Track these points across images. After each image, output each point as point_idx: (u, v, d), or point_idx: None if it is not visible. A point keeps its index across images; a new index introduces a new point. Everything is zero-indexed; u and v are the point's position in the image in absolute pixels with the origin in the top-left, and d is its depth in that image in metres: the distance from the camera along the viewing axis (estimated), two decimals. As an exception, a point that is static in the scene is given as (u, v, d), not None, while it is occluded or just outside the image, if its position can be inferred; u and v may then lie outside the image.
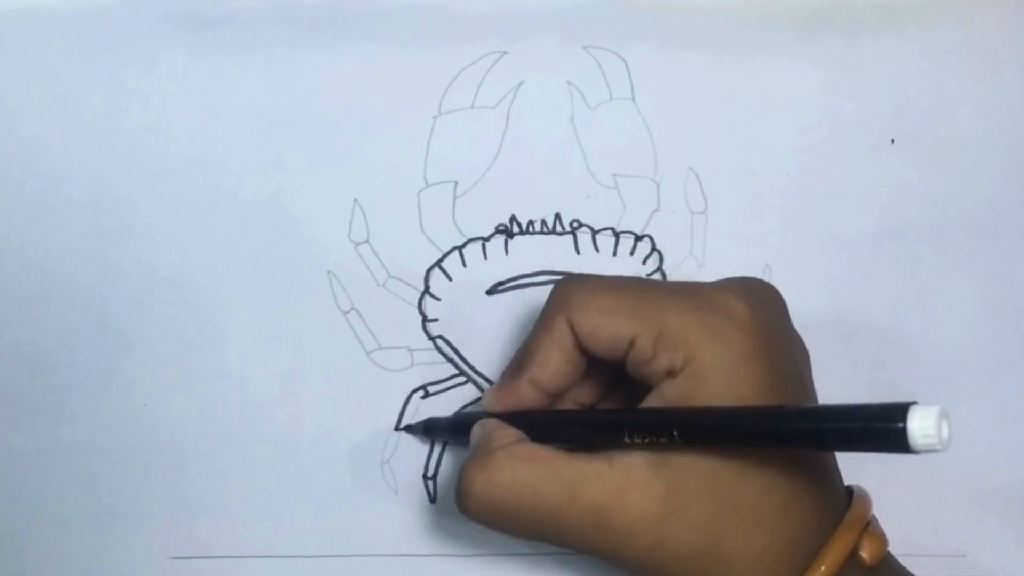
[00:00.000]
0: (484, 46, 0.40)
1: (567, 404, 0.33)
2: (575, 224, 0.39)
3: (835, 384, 0.35)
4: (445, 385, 0.38)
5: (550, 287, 0.38)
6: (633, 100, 0.40)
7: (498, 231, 0.39)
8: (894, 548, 0.31)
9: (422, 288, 0.39)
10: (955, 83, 0.41)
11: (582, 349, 0.31)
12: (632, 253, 0.39)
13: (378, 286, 0.39)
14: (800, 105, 0.40)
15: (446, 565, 0.37)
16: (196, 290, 0.39)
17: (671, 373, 0.29)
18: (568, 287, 0.31)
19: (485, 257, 0.39)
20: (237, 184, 0.39)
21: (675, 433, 0.27)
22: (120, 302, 0.38)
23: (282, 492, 0.37)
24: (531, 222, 0.39)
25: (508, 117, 0.40)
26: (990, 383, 0.39)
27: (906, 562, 0.31)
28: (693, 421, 0.28)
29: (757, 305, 0.30)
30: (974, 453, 0.38)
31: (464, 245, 0.39)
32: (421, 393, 0.38)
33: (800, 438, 0.26)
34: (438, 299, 0.39)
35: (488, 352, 0.38)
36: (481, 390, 0.38)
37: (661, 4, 0.41)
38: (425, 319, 0.39)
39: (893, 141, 0.40)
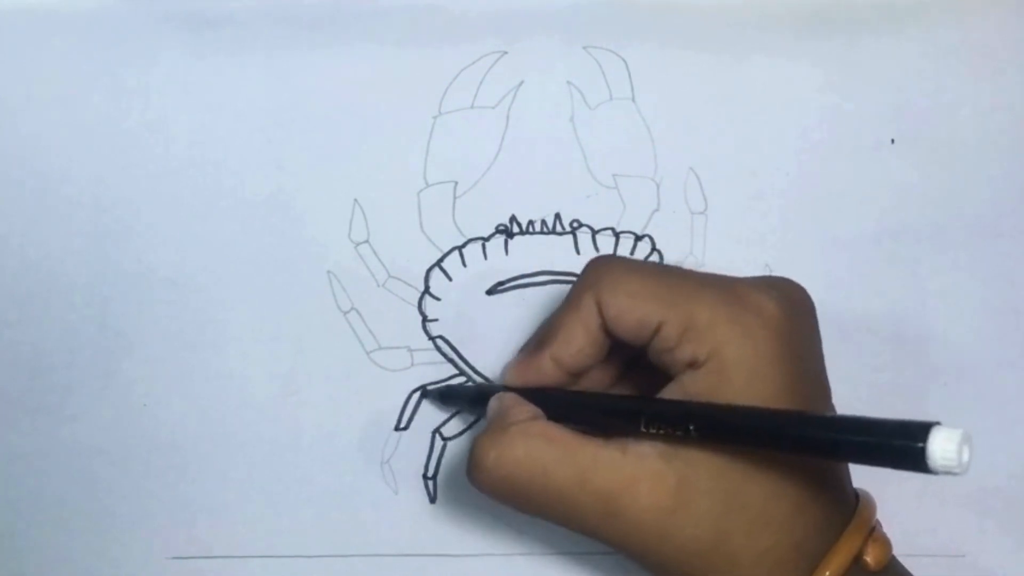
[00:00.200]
0: (484, 46, 0.40)
1: (584, 384, 0.33)
2: (575, 224, 0.39)
3: (835, 384, 0.35)
4: (445, 385, 0.38)
5: (550, 287, 0.38)
6: (633, 100, 0.40)
7: (498, 231, 0.39)
8: (894, 548, 0.31)
9: (422, 288, 0.39)
10: (955, 83, 0.41)
11: (607, 331, 0.31)
12: (632, 253, 0.39)
13: (378, 286, 0.39)
14: (800, 105, 0.40)
15: (446, 565, 0.37)
16: (196, 290, 0.39)
17: (693, 364, 0.29)
18: (600, 267, 0.31)
19: (485, 257, 0.39)
20: (237, 184, 0.39)
21: (692, 428, 0.27)
22: (120, 302, 0.38)
23: (282, 492, 0.37)
24: (531, 222, 0.39)
25: (508, 117, 0.40)
26: (990, 383, 0.39)
27: (906, 562, 0.31)
28: (712, 418, 0.28)
29: (788, 307, 0.30)
30: (974, 453, 0.38)
31: (464, 245, 0.39)
32: (421, 393, 0.38)
33: (817, 446, 0.26)
34: (438, 299, 0.39)
35: (488, 352, 0.38)
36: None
37: (661, 4, 0.41)
38: (425, 319, 0.39)
39: (893, 141, 0.40)
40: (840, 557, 0.28)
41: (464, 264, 0.39)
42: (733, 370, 0.28)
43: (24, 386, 0.38)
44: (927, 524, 0.38)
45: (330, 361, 0.38)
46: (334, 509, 0.37)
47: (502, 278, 0.39)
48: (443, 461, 0.38)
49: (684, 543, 0.28)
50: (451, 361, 0.38)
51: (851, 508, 0.30)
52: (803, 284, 0.35)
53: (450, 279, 0.39)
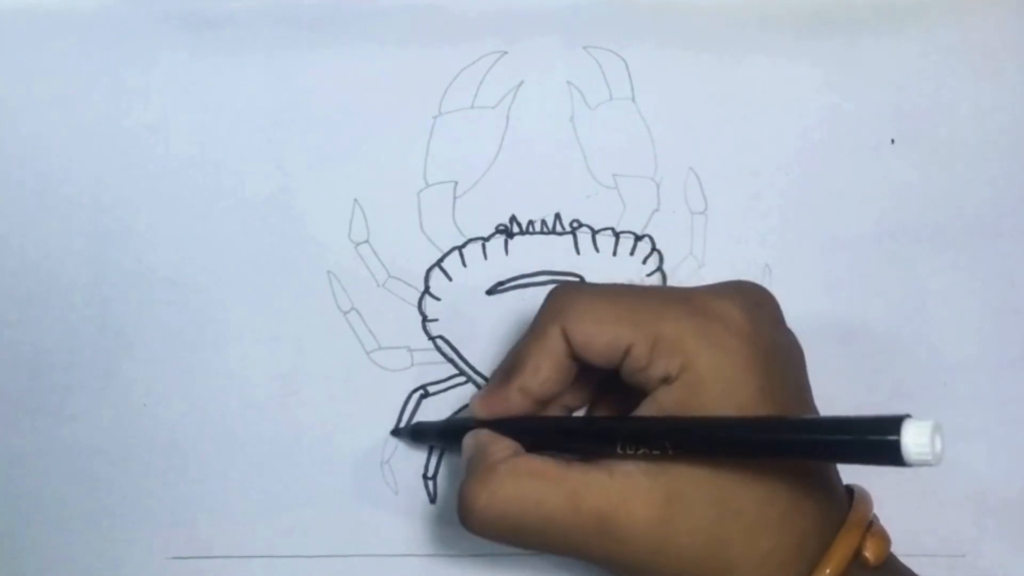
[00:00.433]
0: (484, 46, 0.40)
1: (556, 409, 0.33)
2: (575, 224, 0.39)
3: (835, 385, 0.36)
4: (445, 385, 0.38)
5: (550, 287, 0.38)
6: (633, 100, 0.40)
7: (498, 231, 0.39)
8: (894, 548, 0.31)
9: (422, 288, 0.39)
10: (955, 83, 0.41)
11: (575, 357, 0.31)
12: (632, 253, 0.39)
13: (378, 286, 0.39)
14: (800, 105, 0.40)
15: (446, 565, 0.37)
16: (196, 290, 0.39)
17: (667, 380, 0.29)
18: (562, 295, 0.31)
19: (485, 257, 0.39)
20: (237, 184, 0.39)
21: (668, 445, 0.28)
22: (120, 302, 0.38)
23: (282, 492, 0.37)
24: (531, 222, 0.39)
25: (508, 117, 0.40)
26: (990, 383, 0.39)
27: (906, 562, 0.31)
28: (686, 433, 0.28)
29: (753, 310, 0.30)
30: (974, 453, 0.38)
31: (464, 245, 0.39)
32: (421, 393, 0.38)
33: (794, 449, 0.26)
34: (438, 299, 0.39)
35: (488, 352, 0.38)
36: (487, 383, 0.38)
37: (661, 4, 0.41)
38: (425, 319, 0.39)
39: (893, 141, 0.40)
40: (840, 553, 0.28)
41: (464, 264, 0.39)
42: (706, 381, 0.29)
43: (24, 386, 0.38)
44: (927, 524, 0.38)
45: (330, 361, 0.38)
46: (334, 509, 0.37)
47: (502, 278, 0.39)
48: (443, 461, 0.38)
49: (682, 555, 0.28)
50: (451, 361, 0.38)
51: (845, 504, 0.30)
52: (803, 284, 0.35)
53: (450, 279, 0.39)
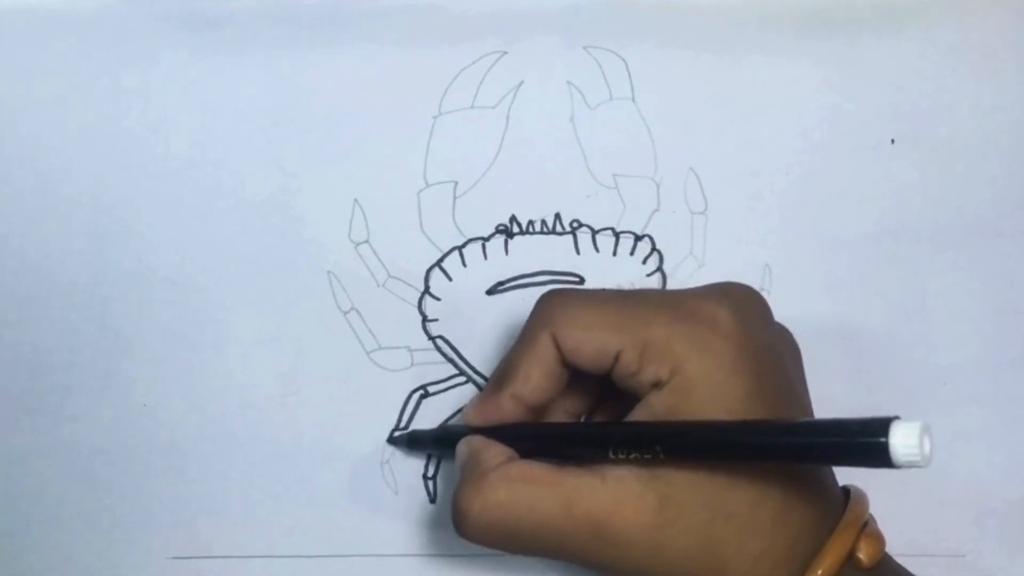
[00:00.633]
0: (484, 46, 0.40)
1: (557, 414, 0.34)
2: (575, 224, 0.39)
3: (835, 384, 0.36)
4: (445, 385, 0.38)
5: (550, 287, 0.38)
6: (633, 100, 0.40)
7: (498, 231, 0.39)
8: (894, 548, 0.31)
9: (422, 288, 0.39)
10: (955, 83, 0.41)
11: (566, 363, 0.31)
12: (632, 253, 0.39)
13: (378, 286, 0.39)
14: (800, 105, 0.40)
15: (446, 565, 0.37)
16: (196, 290, 0.39)
17: (657, 385, 0.29)
18: (551, 302, 0.31)
19: (485, 257, 0.39)
20: (237, 184, 0.39)
21: (658, 449, 0.28)
22: (120, 302, 0.38)
23: (282, 492, 0.37)
24: (531, 222, 0.39)
25: (508, 117, 0.40)
26: (990, 383, 0.39)
27: (906, 562, 0.31)
28: (676, 437, 0.28)
29: (741, 313, 0.30)
30: (974, 453, 0.38)
31: (464, 245, 0.39)
32: (421, 393, 0.38)
33: (783, 452, 0.26)
34: (438, 299, 0.39)
35: (488, 352, 0.38)
36: (481, 390, 0.38)
37: (661, 4, 0.41)
38: (425, 319, 0.39)
39: (893, 141, 0.40)
40: (832, 555, 0.28)
41: (464, 264, 0.39)
42: (696, 385, 0.29)
43: (24, 386, 0.38)
44: (927, 524, 0.38)
45: (330, 361, 0.38)
46: (334, 509, 0.37)
47: (502, 278, 0.39)
48: (443, 461, 0.38)
49: (675, 558, 0.28)
50: (451, 361, 0.38)
51: (841, 504, 0.30)
52: (803, 284, 0.35)
53: (450, 279, 0.39)
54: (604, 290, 0.32)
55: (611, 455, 0.28)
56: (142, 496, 0.37)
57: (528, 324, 0.32)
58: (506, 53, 0.40)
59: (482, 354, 0.38)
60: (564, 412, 0.34)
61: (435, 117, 0.40)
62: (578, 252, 0.39)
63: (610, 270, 0.39)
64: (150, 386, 0.38)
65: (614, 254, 0.39)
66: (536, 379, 0.31)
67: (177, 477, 0.37)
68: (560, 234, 0.39)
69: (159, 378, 0.38)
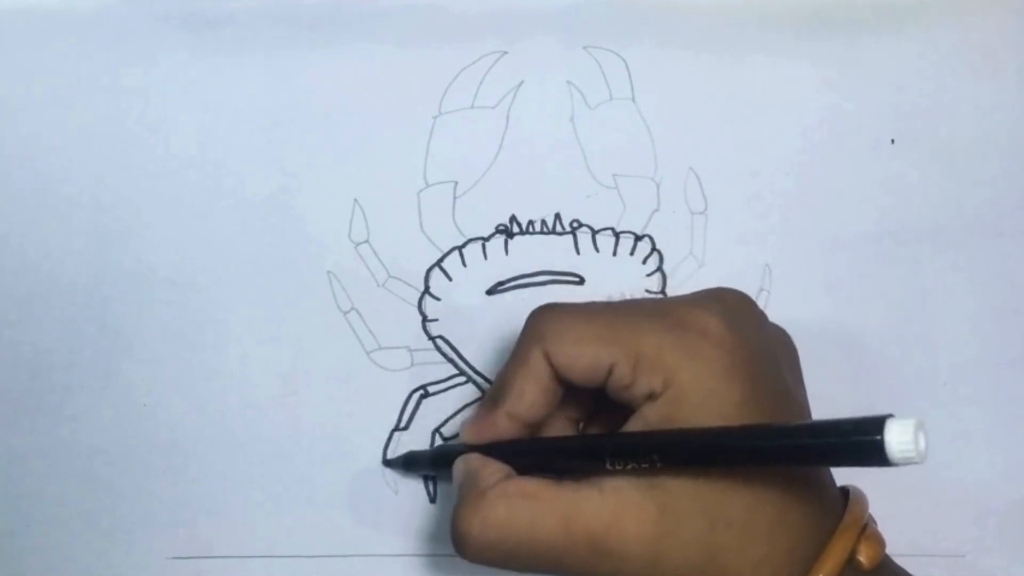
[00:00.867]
0: (484, 46, 0.40)
1: (552, 428, 0.33)
2: (575, 224, 0.39)
3: (834, 385, 0.36)
4: (445, 385, 0.38)
5: (550, 287, 0.38)
6: (633, 100, 0.40)
7: (498, 231, 0.39)
8: (894, 548, 0.31)
9: (422, 288, 0.39)
10: (955, 83, 0.41)
11: (559, 379, 0.31)
12: (632, 253, 0.39)
13: (378, 286, 0.39)
14: (800, 105, 0.40)
15: (446, 565, 0.37)
16: (196, 290, 0.39)
17: (651, 396, 0.29)
18: (541, 318, 0.31)
19: (485, 257, 0.39)
20: (237, 184, 0.39)
21: (655, 458, 0.28)
22: (120, 302, 0.38)
23: (282, 492, 0.37)
24: (531, 222, 0.39)
25: (508, 117, 0.40)
26: (990, 383, 0.39)
27: (906, 562, 0.31)
28: (672, 445, 0.28)
29: (733, 319, 0.30)
30: (974, 453, 0.38)
31: (464, 245, 0.39)
32: (421, 393, 0.38)
33: (780, 456, 0.26)
34: (438, 299, 0.39)
35: (488, 352, 0.38)
36: (481, 390, 0.38)
37: (661, 4, 0.41)
38: (425, 319, 0.39)
39: (893, 141, 0.40)
40: (833, 558, 0.28)
41: (464, 264, 0.39)
42: (689, 394, 0.29)
43: (24, 386, 0.38)
44: (927, 524, 0.38)
45: (330, 361, 0.38)
46: (334, 509, 0.37)
47: (502, 278, 0.39)
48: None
49: (676, 567, 0.28)
50: (451, 361, 0.38)
51: (840, 507, 0.30)
52: (803, 284, 0.35)
53: (450, 279, 0.39)
54: (594, 303, 0.32)
55: (608, 466, 0.28)
56: (142, 496, 0.37)
57: (520, 341, 0.31)
58: (506, 53, 0.40)
59: (482, 354, 0.38)
60: (566, 419, 0.34)
61: (435, 117, 0.40)
62: (578, 252, 0.39)
63: (610, 270, 0.39)
64: (150, 386, 0.38)
65: (614, 254, 0.39)
66: (531, 396, 0.31)
67: (177, 477, 0.37)
68: (560, 234, 0.39)
69: (159, 378, 0.38)
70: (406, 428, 0.38)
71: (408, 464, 0.37)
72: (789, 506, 0.29)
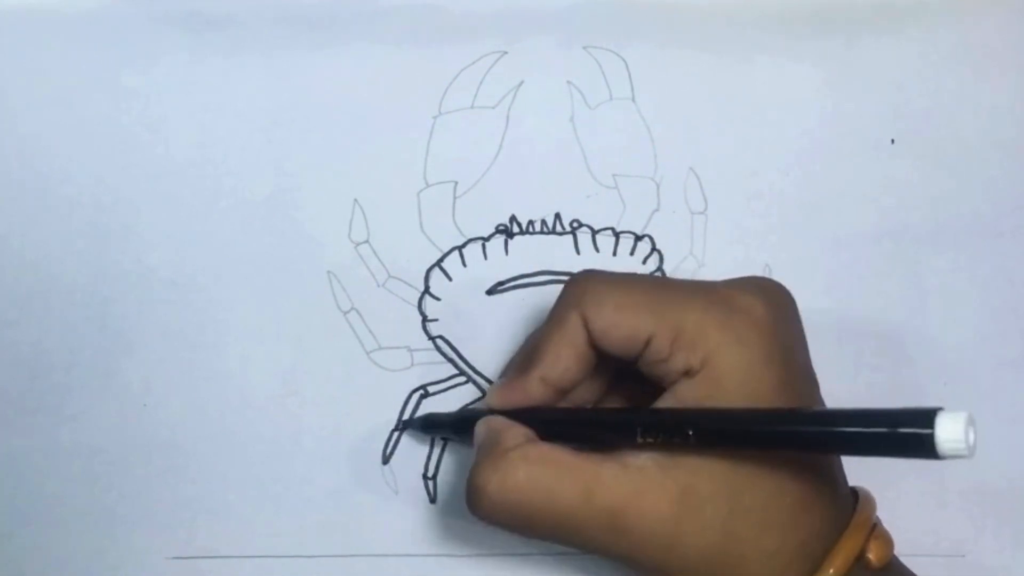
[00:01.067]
0: (484, 46, 0.40)
1: (569, 401, 0.33)
2: (575, 224, 0.39)
3: (834, 384, 0.35)
4: (445, 385, 0.38)
5: (550, 287, 0.38)
6: (633, 100, 0.40)
7: (498, 231, 0.39)
8: (894, 548, 0.31)
9: (422, 288, 0.39)
10: (955, 83, 0.41)
11: (594, 346, 0.30)
12: (632, 253, 0.39)
13: (378, 286, 0.39)
14: (800, 105, 0.40)
15: (446, 565, 0.37)
16: (196, 290, 0.39)
17: (688, 373, 0.29)
18: (582, 282, 0.31)
19: (485, 257, 0.39)
20: (237, 184, 0.39)
21: (691, 433, 0.27)
22: (120, 302, 0.38)
23: (282, 492, 0.37)
24: (531, 222, 0.39)
25: (508, 117, 0.40)
26: (990, 383, 0.39)
27: (906, 562, 0.31)
28: (710, 422, 0.27)
29: (775, 306, 0.30)
30: (979, 437, 0.38)
31: (464, 245, 0.39)
32: (421, 393, 0.38)
33: (820, 442, 0.26)
34: (438, 299, 0.39)
35: (488, 352, 0.38)
36: (481, 390, 0.38)
37: (661, 4, 0.41)
38: (425, 319, 0.39)
39: (893, 141, 0.40)
40: (843, 555, 0.28)
41: (464, 264, 0.39)
42: (728, 375, 0.28)
43: (24, 386, 0.38)
44: (927, 524, 0.38)
45: (330, 361, 0.38)
46: (334, 509, 0.37)
47: (502, 278, 0.39)
48: (443, 461, 0.38)
49: (693, 550, 0.28)
50: (451, 361, 0.38)
51: (850, 506, 0.30)
52: (803, 284, 0.35)
53: (450, 279, 0.39)
54: (637, 274, 0.32)
55: (639, 439, 0.28)
56: (142, 496, 0.37)
57: (557, 305, 0.31)
58: (506, 53, 0.40)
59: (482, 354, 0.38)
60: (572, 402, 0.33)
61: (435, 117, 0.40)
62: (578, 252, 0.39)
63: (610, 270, 0.39)
64: (150, 386, 0.38)
65: (614, 254, 0.39)
66: (566, 360, 0.30)
67: (177, 477, 0.37)
68: (560, 234, 0.39)
69: (159, 378, 0.38)
70: (406, 428, 0.38)
71: (427, 426, 0.37)
72: (806, 500, 0.29)
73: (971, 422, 0.23)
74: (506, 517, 0.29)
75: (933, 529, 0.38)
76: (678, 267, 0.39)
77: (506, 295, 0.39)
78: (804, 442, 0.26)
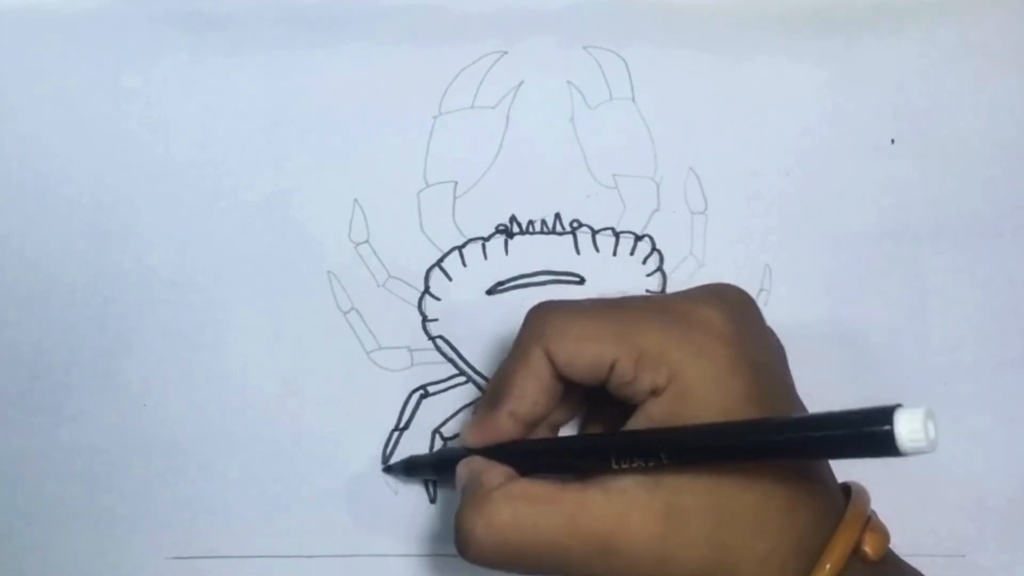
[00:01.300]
0: (484, 46, 0.40)
1: (542, 428, 0.33)
2: (575, 224, 0.39)
3: (834, 384, 0.36)
4: (445, 385, 0.38)
5: (550, 287, 0.38)
6: (633, 100, 0.40)
7: (498, 231, 0.39)
8: (894, 548, 0.31)
9: (422, 288, 0.39)
10: (955, 83, 0.41)
11: (559, 376, 0.31)
12: (632, 253, 0.39)
13: (378, 286, 0.39)
14: (800, 105, 0.40)
15: (446, 565, 0.37)
16: (196, 290, 0.39)
17: (655, 392, 0.29)
18: (541, 315, 0.31)
19: (485, 257, 0.39)
20: (237, 184, 0.39)
21: (662, 456, 0.27)
22: (120, 302, 0.38)
23: (282, 492, 0.37)
24: (531, 222, 0.39)
25: (508, 117, 0.40)
26: (990, 383, 0.39)
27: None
28: (679, 443, 0.28)
29: (733, 313, 0.30)
30: (974, 453, 0.38)
31: (464, 245, 0.39)
32: (421, 393, 0.38)
33: (788, 449, 0.26)
34: (438, 299, 0.39)
35: (488, 352, 0.38)
36: (481, 390, 0.38)
37: (661, 4, 0.41)
38: (425, 319, 0.39)
39: (893, 141, 0.40)
40: (839, 549, 0.28)
41: (464, 264, 0.39)
42: (695, 388, 0.29)
43: (24, 386, 0.38)
44: (927, 524, 0.38)
45: (330, 361, 0.38)
46: (334, 509, 0.37)
47: (502, 278, 0.39)
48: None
49: (683, 566, 0.28)
50: (451, 361, 0.38)
51: (843, 501, 0.30)
52: (803, 284, 0.35)
53: (450, 279, 0.39)
54: (594, 300, 0.32)
55: (614, 465, 0.28)
56: (142, 496, 0.37)
57: (519, 340, 0.31)
58: (506, 53, 0.40)
59: (482, 354, 0.38)
60: (548, 425, 0.34)
61: (435, 117, 0.40)
62: (578, 252, 0.39)
63: (610, 270, 0.39)
64: (150, 386, 0.38)
65: (614, 254, 0.39)
66: (532, 395, 0.31)
67: (177, 477, 0.37)
68: (560, 234, 0.39)
69: (159, 378, 0.38)
70: (406, 428, 0.38)
71: (409, 469, 0.37)
72: (794, 500, 0.29)
73: (930, 416, 0.23)
74: (496, 557, 0.29)
75: (933, 529, 0.38)
76: (678, 267, 0.39)
77: (506, 295, 0.39)
78: (771, 451, 0.27)
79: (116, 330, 0.38)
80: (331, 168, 0.39)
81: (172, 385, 0.38)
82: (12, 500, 0.37)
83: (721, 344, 0.29)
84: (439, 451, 0.38)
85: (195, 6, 0.40)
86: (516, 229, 0.39)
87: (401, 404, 0.38)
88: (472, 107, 0.40)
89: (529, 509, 0.29)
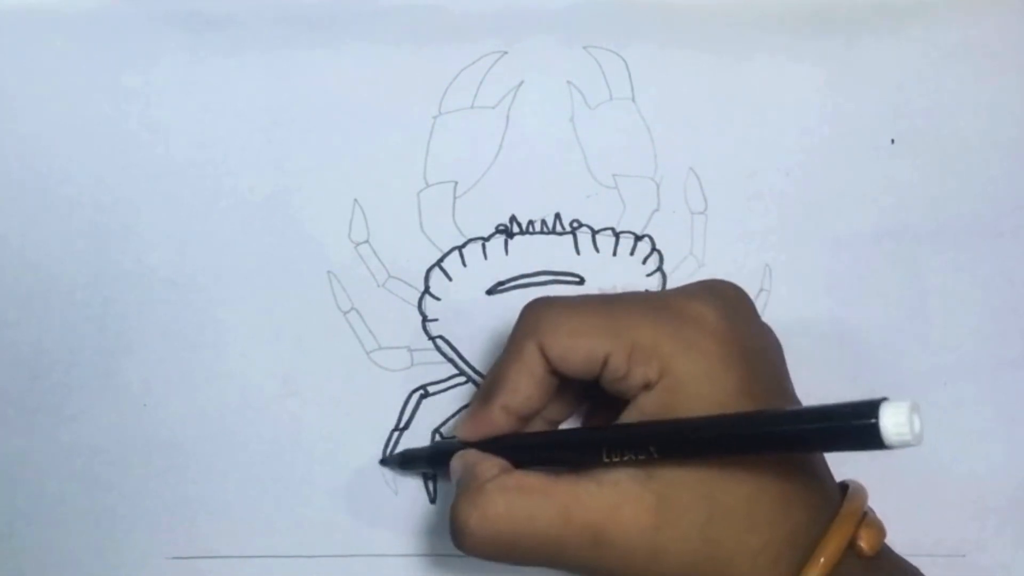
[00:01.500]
0: (484, 46, 0.40)
1: (539, 424, 0.34)
2: (575, 224, 0.39)
3: (833, 384, 0.36)
4: (445, 385, 0.38)
5: (550, 287, 0.38)
6: (633, 100, 0.40)
7: (498, 231, 0.39)
8: (894, 548, 0.31)
9: (422, 288, 0.39)
10: (955, 83, 0.41)
11: (553, 371, 0.31)
12: (632, 253, 0.39)
13: (378, 286, 0.39)
14: (800, 105, 0.40)
15: (446, 565, 0.37)
16: (196, 290, 0.39)
17: (647, 386, 0.29)
18: (535, 311, 0.31)
19: (485, 257, 0.39)
20: (237, 184, 0.39)
21: (653, 449, 0.28)
22: (120, 302, 0.38)
23: (282, 492, 0.37)
24: (531, 222, 0.39)
25: (508, 117, 0.40)
26: (990, 383, 0.39)
27: (906, 562, 0.32)
28: (669, 436, 0.28)
29: (727, 309, 0.30)
30: (974, 453, 0.38)
31: (464, 245, 0.39)
32: (421, 393, 0.38)
33: (777, 442, 0.26)
34: (438, 299, 0.39)
35: (488, 352, 0.38)
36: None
37: (661, 4, 0.41)
38: (425, 319, 0.39)
39: (893, 141, 0.40)
40: (833, 543, 0.28)
41: (464, 264, 0.39)
42: (685, 384, 0.29)
43: (24, 386, 0.38)
44: (927, 524, 0.38)
45: (330, 361, 0.38)
46: (334, 509, 0.37)
47: (502, 278, 0.39)
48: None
49: (676, 558, 0.28)
50: (451, 361, 0.38)
51: (838, 497, 0.30)
52: (803, 284, 0.35)
53: (450, 279, 0.39)
54: (588, 295, 0.32)
55: (605, 458, 0.28)
56: (142, 496, 0.37)
57: (513, 335, 0.32)
58: (506, 53, 0.40)
59: (482, 354, 0.38)
60: (545, 421, 0.34)
61: (435, 117, 0.40)
62: (578, 252, 0.39)
63: (610, 270, 0.39)
64: (150, 386, 0.38)
65: (614, 254, 0.39)
66: (525, 389, 0.31)
67: (177, 477, 0.37)
68: (560, 234, 0.39)
69: (159, 378, 0.38)
70: (406, 428, 0.38)
71: (404, 462, 0.37)
72: (788, 495, 0.29)
73: (915, 410, 0.24)
74: (491, 549, 0.30)
75: (933, 529, 0.38)
76: (678, 267, 0.39)
77: (506, 295, 0.39)
78: (758, 444, 0.27)
79: (116, 330, 0.38)
80: (331, 168, 0.39)
81: (172, 385, 0.38)
82: (12, 500, 0.37)
83: (713, 339, 0.29)
84: (434, 444, 0.38)
85: (195, 6, 0.40)
86: (516, 229, 0.39)
87: (401, 404, 0.38)
88: (472, 107, 0.40)
89: (523, 500, 0.29)
